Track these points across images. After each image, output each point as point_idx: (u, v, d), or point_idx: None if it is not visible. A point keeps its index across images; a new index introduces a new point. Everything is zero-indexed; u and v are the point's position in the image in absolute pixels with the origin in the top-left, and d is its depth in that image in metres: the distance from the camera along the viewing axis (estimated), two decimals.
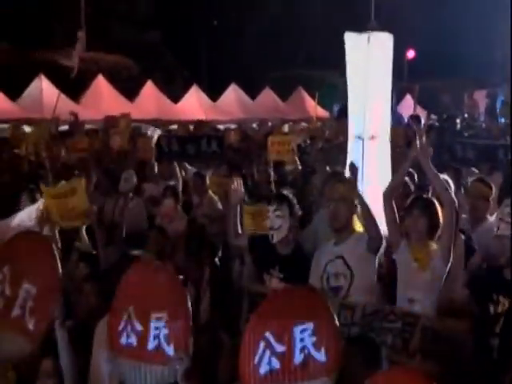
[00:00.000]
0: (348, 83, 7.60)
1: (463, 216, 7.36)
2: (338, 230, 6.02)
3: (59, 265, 4.32)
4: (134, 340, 4.09)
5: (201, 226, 8.93)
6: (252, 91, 33.34)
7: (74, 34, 34.66)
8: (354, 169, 6.16)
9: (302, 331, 3.58)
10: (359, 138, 7.36)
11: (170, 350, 3.98)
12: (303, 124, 25.21)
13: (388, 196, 5.90)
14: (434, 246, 5.74)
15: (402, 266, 5.83)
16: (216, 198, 9.91)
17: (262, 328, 3.71)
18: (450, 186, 8.11)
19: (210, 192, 10.01)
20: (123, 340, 4.13)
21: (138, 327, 4.08)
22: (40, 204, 7.79)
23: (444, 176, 8.37)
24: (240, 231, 6.88)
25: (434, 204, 5.86)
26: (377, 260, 5.93)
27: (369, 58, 7.29)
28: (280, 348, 3.61)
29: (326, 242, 6.23)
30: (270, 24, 46.01)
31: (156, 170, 11.62)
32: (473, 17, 38.75)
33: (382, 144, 7.39)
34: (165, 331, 4.00)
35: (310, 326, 3.59)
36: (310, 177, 10.14)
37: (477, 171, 10.16)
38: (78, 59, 19.04)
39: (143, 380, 4.04)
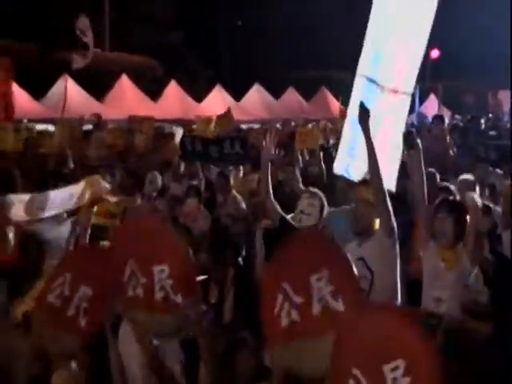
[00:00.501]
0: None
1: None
2: (359, 233, 6.01)
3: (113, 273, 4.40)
4: (140, 291, 4.11)
5: (224, 226, 8.96)
6: (275, 91, 33.32)
7: (98, 34, 34.86)
8: (364, 109, 6.00)
9: (318, 280, 3.48)
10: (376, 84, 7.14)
11: (178, 298, 3.97)
12: (328, 124, 25.15)
13: (421, 193, 5.97)
14: (460, 247, 5.76)
15: (429, 265, 5.84)
16: (240, 197, 9.91)
17: (278, 278, 3.65)
18: (475, 186, 8.10)
19: (234, 191, 10.01)
20: (130, 292, 4.15)
21: (142, 280, 4.10)
22: (82, 185, 7.85)
23: (469, 176, 8.36)
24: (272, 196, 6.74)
25: (460, 206, 5.88)
26: (398, 259, 5.90)
27: None
28: (298, 300, 3.55)
29: (349, 243, 6.21)
30: (292, 24, 45.99)
31: (182, 169, 11.68)
32: (496, 17, 38.49)
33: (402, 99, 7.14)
34: (169, 282, 3.99)
35: (325, 273, 3.46)
36: (334, 177, 10.11)
37: (501, 172, 10.10)
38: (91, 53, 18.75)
39: (157, 330, 4.06)
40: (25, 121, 19.98)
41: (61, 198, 7.50)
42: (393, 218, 5.76)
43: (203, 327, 3.96)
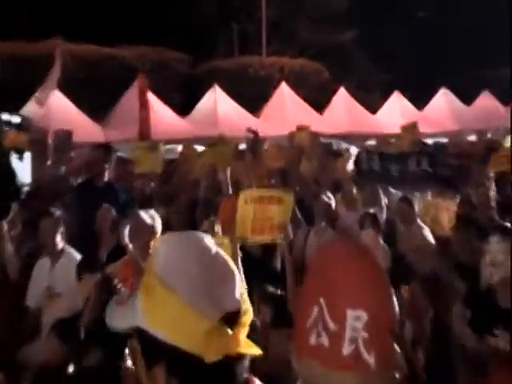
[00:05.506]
0: None
1: None
2: None
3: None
4: (326, 340, 3.89)
5: (407, 263, 8.68)
6: (466, 96, 32.72)
7: (255, 38, 35.52)
8: None
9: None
10: None
11: (370, 358, 3.70)
12: None
13: None
14: None
15: None
16: (427, 227, 9.66)
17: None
18: None
19: (419, 221, 9.78)
20: (312, 339, 3.95)
21: (331, 326, 3.88)
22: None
23: None
24: None
25: None
26: None
27: None
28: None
29: None
30: (477, 23, 45.32)
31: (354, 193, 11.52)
32: None
33: None
34: (364, 335, 3.73)
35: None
36: None
37: None
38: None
39: None
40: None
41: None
42: None
43: None
